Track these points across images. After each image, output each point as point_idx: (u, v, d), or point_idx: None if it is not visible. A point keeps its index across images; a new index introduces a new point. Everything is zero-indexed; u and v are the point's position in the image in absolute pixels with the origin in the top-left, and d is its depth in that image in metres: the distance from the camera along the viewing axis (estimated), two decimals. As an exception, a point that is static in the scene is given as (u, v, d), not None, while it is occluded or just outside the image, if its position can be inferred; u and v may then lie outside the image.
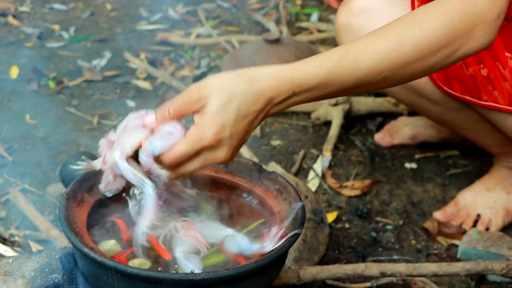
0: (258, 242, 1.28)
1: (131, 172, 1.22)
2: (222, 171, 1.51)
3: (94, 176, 1.42)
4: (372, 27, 1.78)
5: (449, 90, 1.75)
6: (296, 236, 1.27)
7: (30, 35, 3.15)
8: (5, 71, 2.79)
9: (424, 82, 1.79)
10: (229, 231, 1.34)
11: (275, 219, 1.38)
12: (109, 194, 1.35)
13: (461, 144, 2.30)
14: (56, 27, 3.25)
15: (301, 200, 1.37)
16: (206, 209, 1.43)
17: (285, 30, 3.19)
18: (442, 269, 1.58)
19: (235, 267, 1.23)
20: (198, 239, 1.31)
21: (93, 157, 1.52)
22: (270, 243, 1.26)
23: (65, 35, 3.17)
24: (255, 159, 2.17)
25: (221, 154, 1.20)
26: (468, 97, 1.73)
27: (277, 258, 1.25)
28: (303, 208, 1.34)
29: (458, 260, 1.82)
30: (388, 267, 1.58)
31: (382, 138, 2.36)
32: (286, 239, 1.26)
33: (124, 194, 1.36)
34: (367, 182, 2.14)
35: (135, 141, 1.21)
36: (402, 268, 1.58)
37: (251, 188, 1.47)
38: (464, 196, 2.00)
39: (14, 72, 2.78)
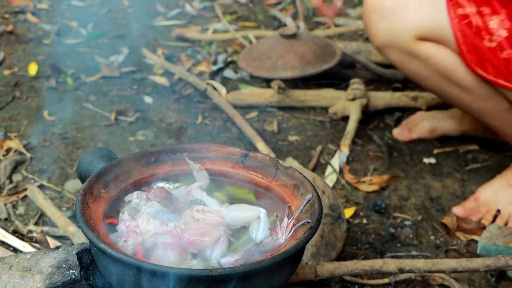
0: (271, 235, 1.28)
1: None
2: (239, 166, 1.50)
3: (111, 171, 1.42)
4: (404, 6, 1.77)
5: (483, 73, 1.72)
6: (311, 228, 1.26)
7: (49, 32, 3.17)
8: (24, 67, 2.81)
9: (455, 66, 1.79)
10: (260, 210, 1.34)
11: (291, 214, 1.37)
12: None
13: (481, 137, 2.28)
14: (74, 23, 3.26)
15: (316, 192, 1.36)
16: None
17: (302, 25, 3.17)
18: (462, 265, 1.56)
19: (252, 262, 1.23)
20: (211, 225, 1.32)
21: (110, 153, 1.52)
22: (282, 235, 1.26)
23: (83, 31, 3.18)
24: (272, 155, 2.16)
25: None
26: (502, 81, 1.71)
27: (294, 253, 1.24)
28: (316, 199, 1.33)
29: (478, 256, 1.79)
30: (407, 263, 1.56)
31: (400, 133, 2.34)
32: (299, 229, 1.26)
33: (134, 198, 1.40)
34: (385, 177, 2.13)
35: None
36: (420, 264, 1.56)
37: (268, 183, 1.46)
38: (485, 191, 1.97)
39: (33, 68, 2.80)
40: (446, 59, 1.80)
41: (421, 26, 1.77)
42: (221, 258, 1.25)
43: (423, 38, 1.78)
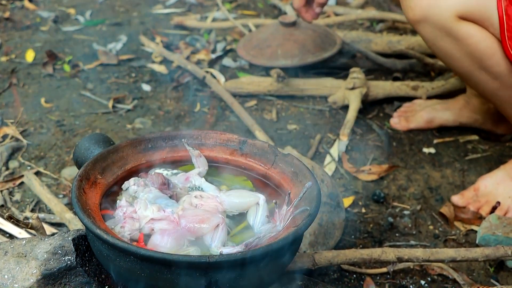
0: (270, 222, 1.26)
1: None
2: (237, 153, 1.49)
3: (107, 157, 1.40)
4: None
5: None
6: (309, 216, 1.25)
7: (46, 19, 3.14)
8: (21, 54, 2.79)
9: (492, 51, 1.73)
10: (259, 196, 1.33)
11: (290, 202, 1.36)
12: None
13: (480, 128, 2.26)
14: (72, 11, 3.24)
15: (315, 179, 1.34)
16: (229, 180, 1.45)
17: (302, 13, 3.15)
18: (460, 255, 1.55)
19: (249, 249, 1.21)
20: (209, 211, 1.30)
21: (107, 139, 1.51)
22: (280, 223, 1.25)
23: (81, 19, 3.16)
24: (271, 143, 2.15)
25: None
26: None
27: (293, 240, 1.23)
28: (316, 187, 1.31)
29: (477, 246, 1.78)
30: (405, 252, 1.55)
31: (397, 122, 2.32)
32: (297, 217, 1.25)
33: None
34: (384, 166, 2.11)
35: None
36: (419, 253, 1.55)
37: (266, 170, 1.44)
38: (486, 182, 1.94)
39: (30, 55, 2.78)
40: (485, 42, 1.73)
41: (465, 4, 1.69)
42: (223, 247, 1.24)
43: (464, 18, 1.71)
